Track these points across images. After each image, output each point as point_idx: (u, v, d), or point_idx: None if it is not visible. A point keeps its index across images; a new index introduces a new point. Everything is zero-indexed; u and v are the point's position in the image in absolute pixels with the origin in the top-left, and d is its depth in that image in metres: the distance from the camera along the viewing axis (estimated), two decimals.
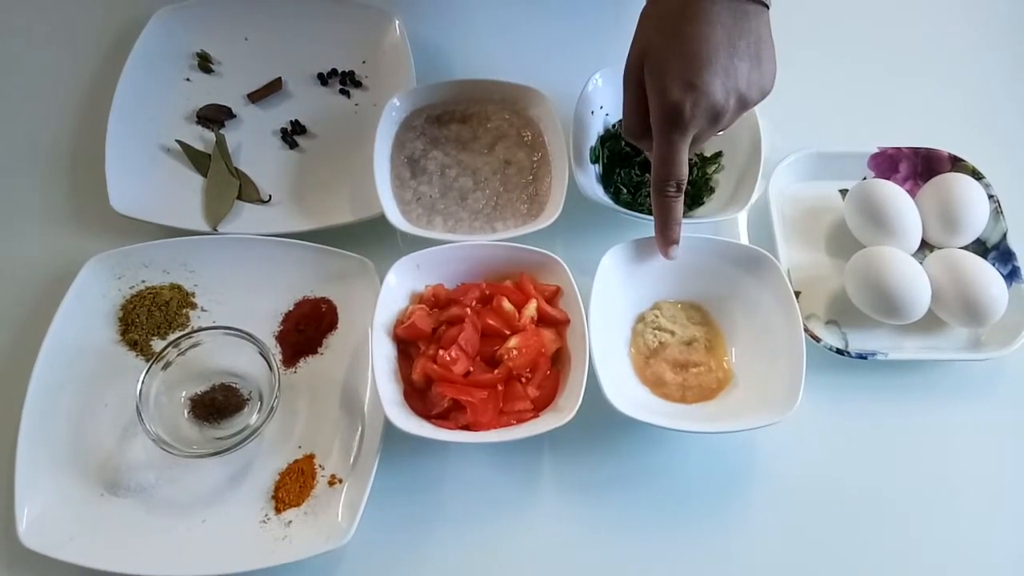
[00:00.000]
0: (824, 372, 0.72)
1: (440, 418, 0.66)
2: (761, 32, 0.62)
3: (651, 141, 0.67)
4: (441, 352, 0.66)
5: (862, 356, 0.73)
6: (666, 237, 0.70)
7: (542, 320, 0.70)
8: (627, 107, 0.67)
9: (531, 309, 0.69)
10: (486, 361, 0.68)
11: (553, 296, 0.71)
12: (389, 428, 0.66)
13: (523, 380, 0.67)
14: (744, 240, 0.81)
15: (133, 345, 0.71)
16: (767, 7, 0.62)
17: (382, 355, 0.67)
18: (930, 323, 0.75)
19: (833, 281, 0.78)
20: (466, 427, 0.65)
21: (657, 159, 0.65)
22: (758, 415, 0.66)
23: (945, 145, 0.83)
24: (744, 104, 0.63)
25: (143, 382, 0.65)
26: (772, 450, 0.71)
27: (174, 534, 0.65)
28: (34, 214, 0.80)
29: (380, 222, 0.74)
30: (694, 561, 0.67)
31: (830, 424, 0.72)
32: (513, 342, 0.68)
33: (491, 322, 0.68)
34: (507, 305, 0.69)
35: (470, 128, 0.79)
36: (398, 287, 0.70)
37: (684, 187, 0.66)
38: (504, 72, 0.82)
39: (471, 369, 0.67)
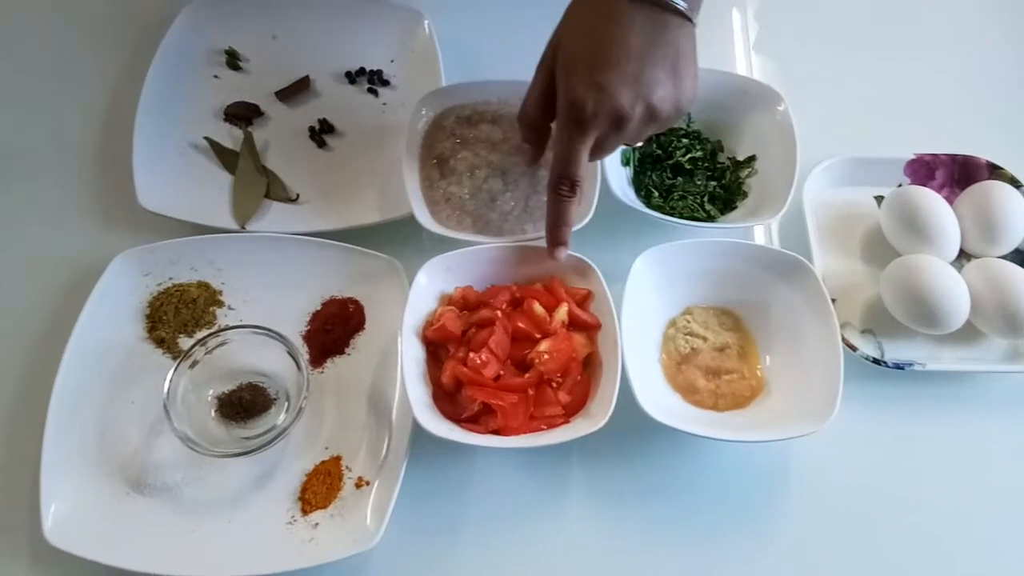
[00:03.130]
0: (859, 382, 0.71)
1: (470, 422, 0.65)
2: (681, 45, 0.60)
3: (538, 132, 0.68)
4: (471, 355, 0.65)
5: (899, 366, 0.72)
6: (554, 237, 0.68)
7: (573, 324, 0.69)
8: (530, 92, 0.66)
9: (562, 313, 0.68)
10: (516, 365, 0.67)
11: (584, 300, 0.70)
12: (416, 430, 0.66)
13: (554, 385, 0.66)
14: (775, 245, 0.79)
15: (160, 343, 0.71)
16: (691, 22, 0.60)
17: (411, 357, 0.66)
18: (968, 333, 0.73)
19: (868, 289, 0.77)
20: (496, 431, 0.64)
21: (555, 156, 0.64)
22: (794, 424, 0.65)
23: (983, 152, 0.82)
24: (653, 115, 0.60)
25: (171, 380, 0.65)
26: (806, 460, 0.70)
27: (200, 534, 0.64)
28: (61, 210, 0.79)
29: (406, 222, 0.74)
30: (725, 572, 0.66)
31: (865, 435, 0.71)
32: (544, 346, 0.67)
33: (521, 325, 0.67)
34: (538, 308, 0.68)
35: (500, 129, 0.77)
36: (428, 288, 0.69)
37: (578, 188, 0.64)
38: (532, 72, 0.80)
39: (501, 373, 0.66)
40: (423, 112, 0.77)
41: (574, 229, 0.69)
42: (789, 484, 0.69)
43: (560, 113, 0.62)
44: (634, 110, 0.59)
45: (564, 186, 0.65)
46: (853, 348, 0.72)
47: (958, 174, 0.82)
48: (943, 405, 0.73)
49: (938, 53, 0.94)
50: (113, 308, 0.71)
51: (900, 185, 0.82)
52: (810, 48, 0.93)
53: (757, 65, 0.92)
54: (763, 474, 0.70)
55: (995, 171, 0.81)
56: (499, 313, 0.68)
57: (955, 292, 0.71)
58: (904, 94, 0.90)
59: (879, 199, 0.81)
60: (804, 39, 0.94)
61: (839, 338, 0.67)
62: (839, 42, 0.93)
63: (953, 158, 0.82)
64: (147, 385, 0.69)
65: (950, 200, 0.78)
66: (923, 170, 0.82)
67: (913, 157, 0.81)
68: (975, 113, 0.90)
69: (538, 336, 0.67)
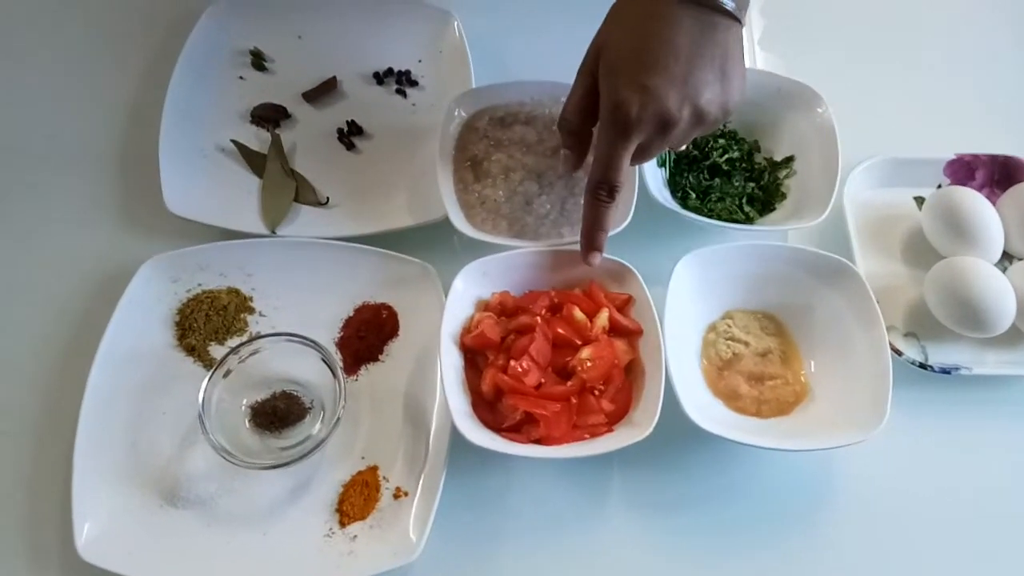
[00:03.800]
0: (904, 387, 0.68)
1: (511, 431, 0.64)
2: (729, 46, 0.58)
3: (579, 138, 0.66)
4: (512, 363, 0.64)
5: (945, 371, 0.70)
6: (590, 242, 0.67)
7: (614, 330, 0.67)
8: (570, 97, 0.64)
9: (603, 318, 0.67)
10: (557, 372, 0.66)
11: (624, 305, 0.69)
12: (454, 439, 0.64)
13: (596, 393, 0.65)
14: (814, 248, 0.78)
15: (191, 351, 0.69)
16: (740, 22, 0.58)
17: (450, 365, 0.65)
18: (1012, 336, 0.72)
19: (910, 292, 0.76)
20: (538, 441, 0.63)
21: (596, 159, 0.62)
22: (841, 432, 0.64)
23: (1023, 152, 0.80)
24: (701, 119, 0.59)
25: (205, 390, 0.63)
26: (851, 468, 0.69)
27: (235, 547, 0.63)
28: (87, 215, 0.78)
29: (435, 226, 0.73)
30: None
31: (911, 441, 0.70)
32: (586, 353, 0.65)
33: (562, 332, 0.66)
34: (578, 314, 0.66)
35: (535, 130, 0.76)
36: (464, 294, 0.68)
37: (617, 194, 0.63)
38: (566, 73, 0.79)
39: (543, 381, 0.65)
40: (456, 113, 0.76)
41: (611, 234, 0.68)
42: (834, 492, 0.68)
43: (603, 117, 0.60)
44: (681, 113, 0.58)
45: (603, 191, 0.63)
46: (898, 352, 0.70)
47: (998, 174, 0.80)
48: (991, 410, 0.71)
49: (977, 53, 0.93)
50: (142, 316, 0.70)
51: (940, 186, 0.80)
52: (841, 46, 0.92)
53: (785, 63, 0.90)
54: (807, 482, 0.68)
55: None
56: (539, 319, 0.66)
57: (1001, 294, 0.69)
58: (942, 94, 0.89)
59: (919, 200, 0.80)
60: (834, 36, 0.93)
61: (887, 343, 0.66)
62: (875, 41, 0.92)
63: (994, 158, 0.80)
64: (178, 395, 0.67)
65: (990, 201, 0.76)
66: (963, 170, 0.81)
67: (954, 157, 0.80)
68: (1015, 113, 0.88)
69: (579, 343, 0.66)
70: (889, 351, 0.66)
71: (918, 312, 0.74)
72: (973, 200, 0.74)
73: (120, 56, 0.87)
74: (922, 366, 0.70)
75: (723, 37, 0.58)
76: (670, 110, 0.57)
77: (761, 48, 0.91)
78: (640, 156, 0.63)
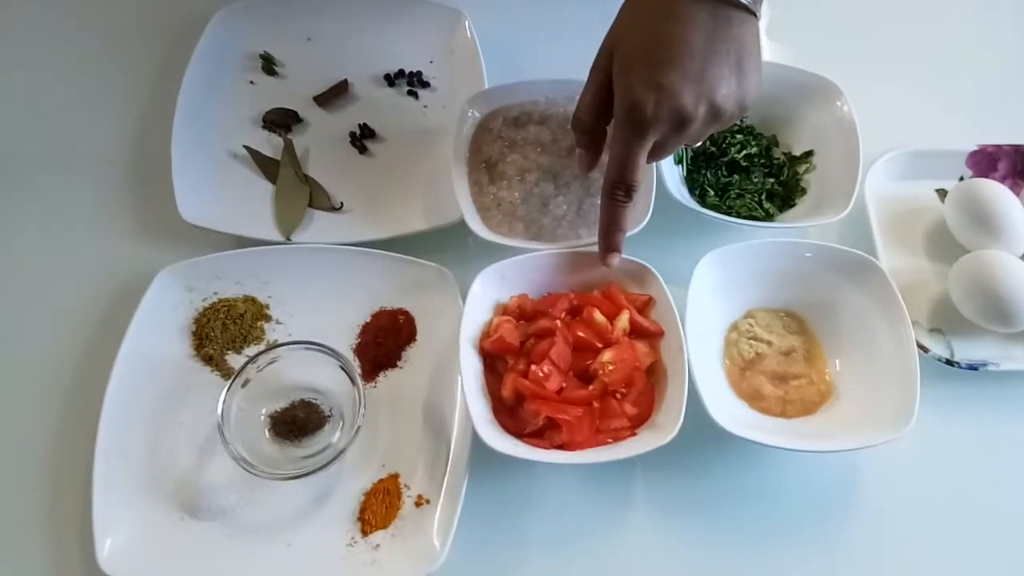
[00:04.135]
0: (930, 384, 0.67)
1: (533, 436, 0.63)
2: (745, 41, 0.57)
3: (593, 137, 0.64)
4: (533, 367, 0.63)
5: (972, 367, 0.69)
6: (608, 243, 0.66)
7: (634, 332, 0.66)
8: (583, 96, 0.63)
9: (623, 321, 0.66)
10: (578, 376, 0.65)
11: (645, 306, 0.68)
12: (475, 445, 0.63)
13: (618, 396, 0.64)
14: (836, 244, 0.77)
15: (208, 360, 0.69)
16: (755, 15, 0.57)
17: (470, 370, 0.64)
18: None
19: (934, 286, 0.74)
20: (560, 446, 0.62)
21: (612, 158, 0.61)
22: (868, 431, 0.63)
23: None
24: (717, 115, 0.58)
25: (223, 401, 0.63)
26: (878, 467, 0.68)
27: (258, 559, 0.62)
28: (101, 226, 0.77)
29: (449, 229, 0.72)
30: None
31: (940, 439, 0.68)
32: (607, 356, 0.64)
33: (582, 335, 0.65)
34: (599, 317, 0.66)
35: (549, 130, 0.75)
36: (482, 298, 0.67)
37: (634, 193, 0.62)
38: (580, 70, 0.78)
39: (564, 385, 0.64)
40: (470, 114, 0.75)
41: (628, 234, 0.67)
42: (862, 492, 0.67)
43: (618, 115, 0.59)
44: (697, 110, 0.57)
45: (620, 191, 0.62)
46: (924, 349, 0.69)
47: (1021, 165, 0.79)
48: (1020, 406, 0.70)
49: (996, 43, 0.91)
50: (158, 326, 0.69)
51: (962, 178, 0.79)
52: (860, 38, 0.91)
53: (803, 56, 0.88)
54: (834, 482, 0.67)
55: None
56: (559, 323, 0.65)
57: None
58: (962, 85, 0.87)
59: (941, 192, 0.78)
60: (852, 28, 0.92)
61: (913, 340, 0.65)
62: (895, 33, 0.91)
63: (1017, 149, 0.79)
64: (196, 405, 0.67)
65: (1014, 192, 0.75)
66: (985, 161, 0.79)
67: (976, 148, 0.79)
68: None
69: (600, 346, 0.65)
70: (916, 348, 0.65)
71: (943, 307, 0.73)
72: (997, 192, 0.73)
73: (130, 64, 0.86)
74: (948, 363, 0.69)
75: (738, 31, 0.57)
76: (686, 107, 0.56)
77: (778, 42, 0.90)
78: (656, 154, 0.62)
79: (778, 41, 0.89)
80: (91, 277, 0.74)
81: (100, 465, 0.63)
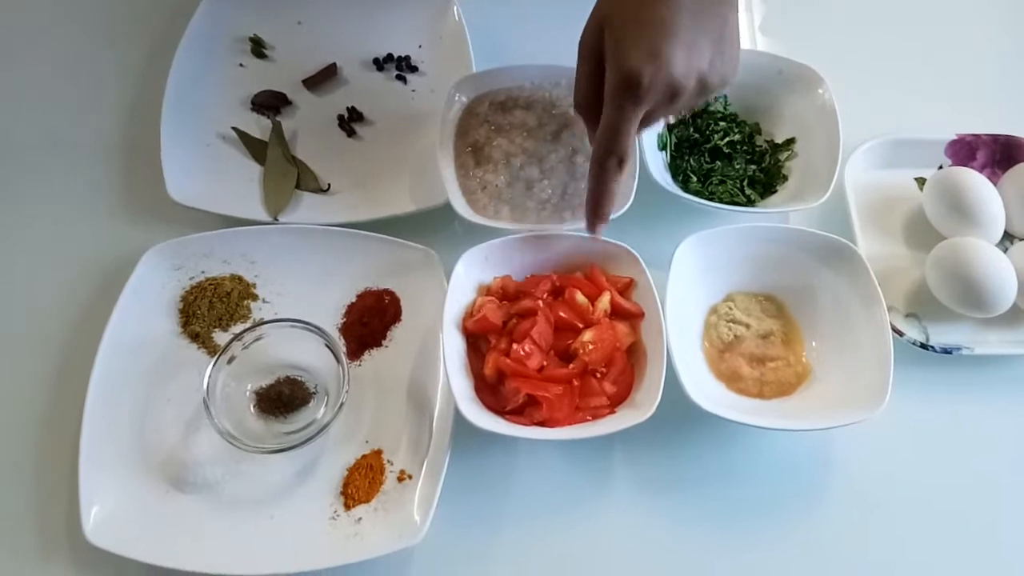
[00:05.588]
0: (905, 367, 0.68)
1: (514, 414, 0.64)
2: (728, 17, 0.58)
3: (599, 114, 0.63)
4: (514, 346, 0.64)
5: (947, 351, 0.70)
6: (597, 214, 0.66)
7: (615, 313, 0.68)
8: (579, 77, 0.63)
9: (604, 302, 0.67)
10: (559, 355, 0.66)
11: (626, 288, 0.69)
12: (457, 422, 0.65)
13: (598, 375, 0.65)
14: (815, 229, 0.78)
15: (195, 337, 0.70)
16: None
17: (452, 349, 0.65)
18: (1014, 316, 0.73)
19: (911, 273, 0.76)
20: (541, 423, 0.63)
21: (603, 129, 0.60)
22: (842, 412, 0.64)
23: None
24: (704, 87, 0.59)
25: (209, 376, 0.63)
26: (852, 447, 0.69)
27: (242, 531, 0.63)
28: (89, 205, 0.78)
29: (435, 211, 0.73)
30: (771, 562, 0.65)
31: (913, 421, 0.70)
32: (588, 336, 0.65)
33: (563, 315, 0.66)
34: (580, 298, 0.67)
35: (535, 115, 0.76)
36: (466, 279, 0.68)
37: (625, 165, 0.62)
38: (566, 56, 0.79)
39: (545, 364, 0.65)
40: (457, 98, 0.76)
41: (612, 217, 0.68)
42: (836, 471, 0.68)
43: (611, 85, 0.59)
44: (688, 82, 0.58)
45: (611, 161, 0.62)
46: (899, 333, 0.71)
47: (999, 154, 0.80)
48: (992, 389, 0.72)
49: (976, 32, 0.92)
50: (146, 304, 0.70)
51: (941, 167, 0.80)
52: (842, 27, 0.92)
53: (785, 45, 0.90)
54: (808, 461, 0.69)
55: None
56: (541, 303, 0.66)
57: (1003, 274, 0.70)
58: (942, 74, 0.89)
59: (920, 181, 0.80)
60: (835, 17, 0.93)
61: (888, 324, 0.66)
62: (875, 22, 0.92)
63: (995, 138, 0.80)
64: (183, 381, 0.68)
65: (992, 181, 0.76)
66: (964, 151, 0.80)
67: (955, 137, 0.80)
68: (1016, 92, 0.88)
69: (581, 326, 0.66)
70: (890, 332, 0.66)
71: (919, 292, 0.74)
72: (974, 180, 0.74)
73: (120, 45, 0.87)
74: (923, 346, 0.71)
75: (722, 8, 0.58)
76: (680, 78, 0.57)
77: (761, 30, 0.91)
78: (643, 125, 0.62)
79: (772, 33, 0.91)
80: (80, 255, 0.75)
81: (87, 438, 0.64)
